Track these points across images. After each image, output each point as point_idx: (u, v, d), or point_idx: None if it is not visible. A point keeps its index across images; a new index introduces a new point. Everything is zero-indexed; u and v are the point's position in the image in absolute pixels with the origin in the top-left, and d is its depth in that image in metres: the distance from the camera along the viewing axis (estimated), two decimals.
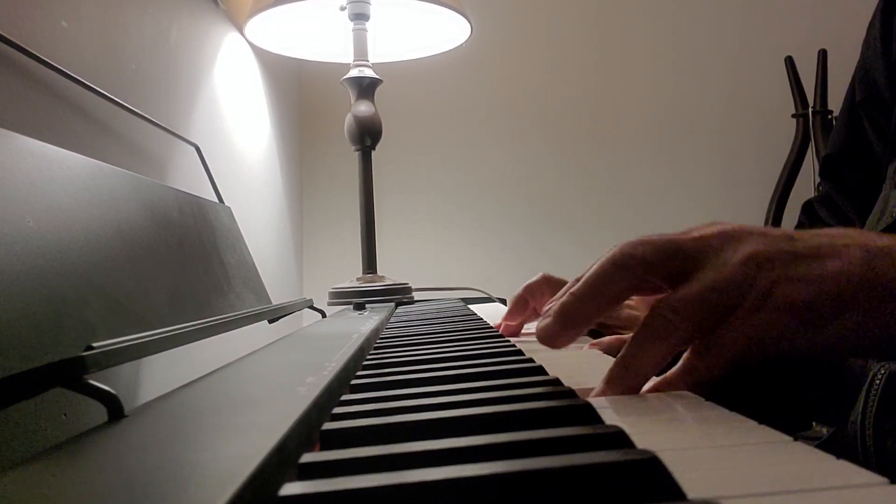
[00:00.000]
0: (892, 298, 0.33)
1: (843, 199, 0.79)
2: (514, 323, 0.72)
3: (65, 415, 0.38)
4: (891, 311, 0.33)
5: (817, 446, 0.24)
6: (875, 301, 0.33)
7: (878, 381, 0.53)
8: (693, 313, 0.34)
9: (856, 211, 0.77)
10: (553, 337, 0.35)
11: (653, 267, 0.36)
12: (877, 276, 0.33)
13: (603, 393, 0.35)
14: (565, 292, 0.38)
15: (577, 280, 0.38)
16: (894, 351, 0.36)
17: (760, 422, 0.29)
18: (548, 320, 0.35)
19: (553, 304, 0.37)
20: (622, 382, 0.34)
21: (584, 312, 0.36)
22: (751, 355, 0.34)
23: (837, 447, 0.59)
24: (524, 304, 0.73)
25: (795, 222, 0.90)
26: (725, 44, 1.95)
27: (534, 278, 0.74)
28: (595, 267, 0.36)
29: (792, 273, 0.34)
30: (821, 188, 0.84)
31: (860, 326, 0.33)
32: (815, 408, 0.70)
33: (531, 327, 0.80)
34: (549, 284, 0.73)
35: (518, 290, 0.74)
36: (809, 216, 0.85)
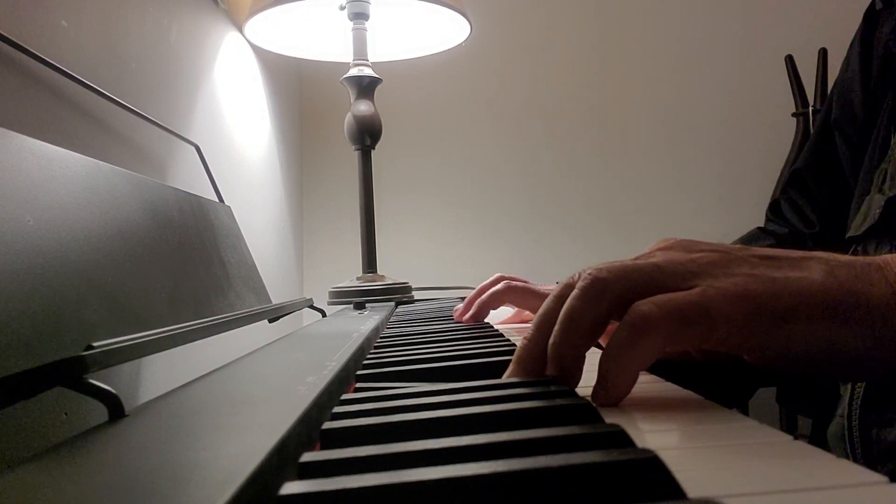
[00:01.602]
0: (856, 306, 0.33)
1: (808, 206, 0.84)
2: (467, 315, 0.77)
3: (65, 414, 0.38)
4: (856, 319, 0.33)
5: (808, 441, 0.24)
6: (838, 308, 0.33)
7: None
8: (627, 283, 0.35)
9: (816, 213, 0.82)
10: (605, 400, 0.34)
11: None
12: (839, 284, 0.34)
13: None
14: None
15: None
16: (863, 369, 0.36)
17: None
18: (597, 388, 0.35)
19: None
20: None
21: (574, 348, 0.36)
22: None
23: (824, 439, 0.61)
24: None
25: (765, 222, 0.93)
26: (726, 43, 1.95)
27: (494, 288, 0.78)
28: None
29: (757, 272, 0.34)
30: (785, 192, 0.89)
31: (825, 336, 0.33)
32: (804, 401, 0.72)
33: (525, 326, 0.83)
34: (513, 292, 0.77)
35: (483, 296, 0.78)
36: (777, 215, 0.89)
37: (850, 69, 0.74)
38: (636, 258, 0.38)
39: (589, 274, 0.36)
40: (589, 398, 0.33)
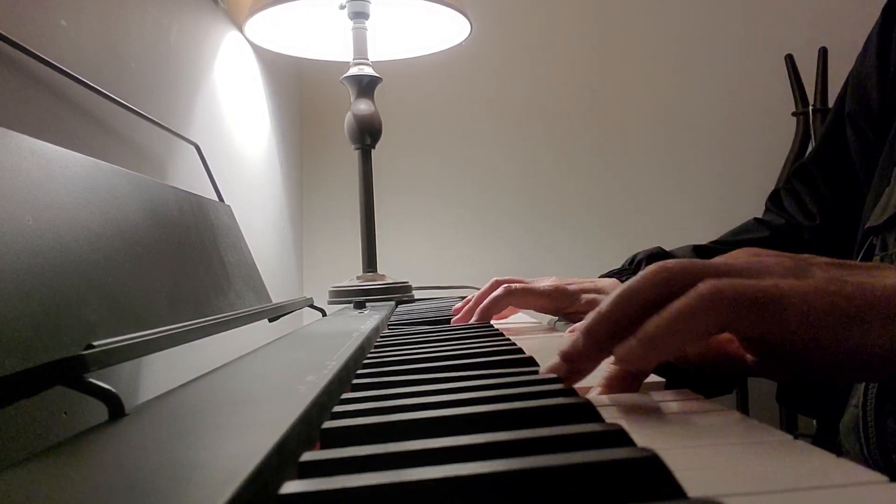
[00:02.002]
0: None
1: (811, 199, 0.83)
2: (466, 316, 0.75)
3: (65, 413, 0.38)
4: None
5: (812, 441, 0.24)
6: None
7: None
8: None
9: (820, 210, 0.81)
10: (636, 360, 0.33)
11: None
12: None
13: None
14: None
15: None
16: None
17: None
18: (632, 342, 0.33)
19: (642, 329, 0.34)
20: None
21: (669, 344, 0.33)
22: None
23: (836, 434, 0.61)
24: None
25: (763, 212, 0.93)
26: (726, 42, 1.95)
27: (494, 291, 0.76)
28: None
29: (829, 275, 0.34)
30: (788, 183, 0.88)
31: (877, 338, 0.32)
32: (804, 400, 0.72)
33: (521, 321, 0.83)
34: (513, 296, 0.76)
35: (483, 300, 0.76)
36: (776, 205, 0.88)
37: (866, 63, 0.74)
38: None
39: (656, 263, 0.34)
40: (615, 361, 0.33)
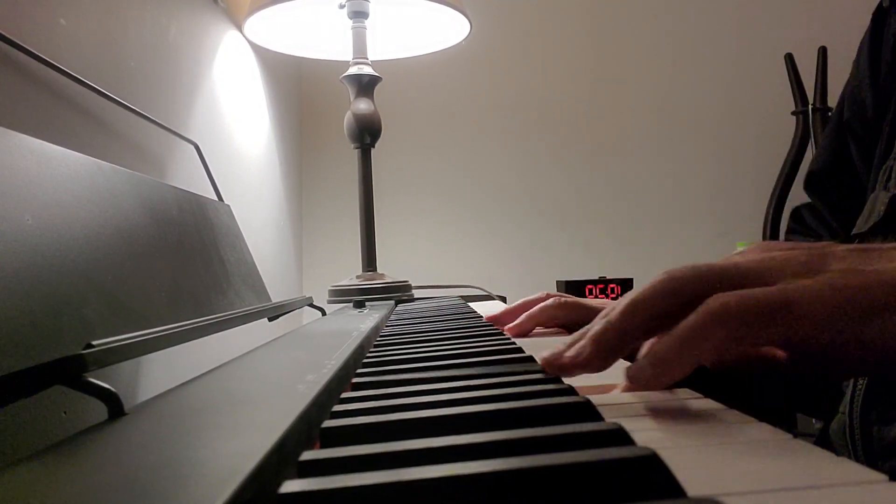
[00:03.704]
0: None
1: (826, 210, 0.82)
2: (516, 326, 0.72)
3: (64, 413, 0.38)
4: None
5: (816, 441, 0.24)
6: None
7: None
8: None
9: (838, 221, 0.79)
10: (648, 381, 0.33)
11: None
12: None
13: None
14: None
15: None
16: None
17: (752, 414, 0.29)
18: (643, 363, 0.33)
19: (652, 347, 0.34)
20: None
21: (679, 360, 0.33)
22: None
23: (828, 436, 0.61)
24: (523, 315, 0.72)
25: (785, 231, 0.92)
26: (726, 41, 1.95)
27: (544, 302, 0.72)
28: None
29: (844, 266, 0.33)
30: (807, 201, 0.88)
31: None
32: (810, 398, 0.72)
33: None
34: (563, 308, 0.71)
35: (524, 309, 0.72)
36: (798, 222, 0.87)
37: (859, 69, 0.74)
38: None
39: (665, 272, 0.35)
40: (627, 381, 0.32)
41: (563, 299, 0.72)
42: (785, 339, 0.32)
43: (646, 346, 0.36)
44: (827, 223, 0.82)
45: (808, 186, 0.85)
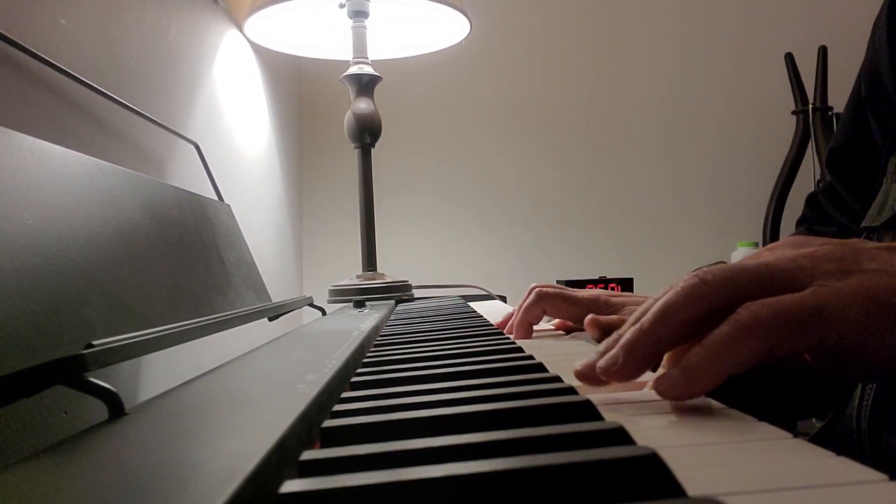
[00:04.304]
0: None
1: (846, 192, 0.78)
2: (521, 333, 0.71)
3: (65, 412, 0.38)
4: None
5: (811, 438, 0.24)
6: None
7: None
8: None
9: (859, 204, 0.76)
10: (679, 392, 0.32)
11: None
12: None
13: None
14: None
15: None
16: None
17: (754, 414, 0.28)
18: (674, 374, 0.32)
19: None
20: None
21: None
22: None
23: (833, 439, 0.59)
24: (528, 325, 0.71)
25: (797, 217, 0.89)
26: (726, 41, 1.95)
27: (526, 302, 0.71)
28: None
29: (876, 266, 0.33)
30: (821, 183, 0.84)
31: None
32: (811, 399, 0.70)
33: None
34: (545, 300, 0.70)
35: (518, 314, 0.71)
36: (813, 208, 0.84)
37: (876, 43, 0.72)
38: (746, 258, 0.36)
39: (695, 275, 0.34)
40: (651, 388, 0.32)
41: (543, 290, 0.70)
42: (817, 345, 0.32)
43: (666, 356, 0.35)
44: (846, 206, 0.79)
45: (829, 165, 0.82)
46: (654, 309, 0.34)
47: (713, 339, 0.31)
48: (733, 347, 0.31)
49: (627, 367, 0.34)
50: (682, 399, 0.32)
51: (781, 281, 0.33)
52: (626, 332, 0.34)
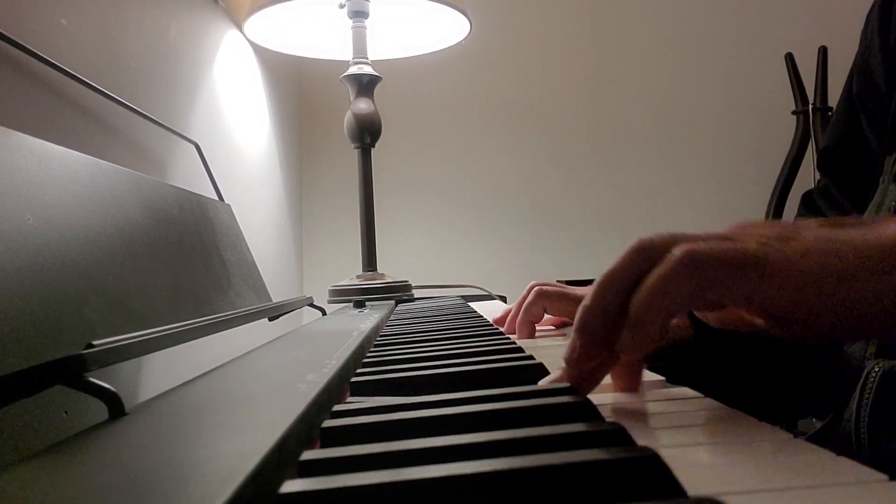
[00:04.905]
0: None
1: (840, 192, 0.78)
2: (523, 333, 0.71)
3: (65, 412, 0.38)
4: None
5: (808, 438, 0.24)
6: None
7: (872, 379, 0.53)
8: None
9: (852, 203, 0.76)
10: (631, 348, 0.32)
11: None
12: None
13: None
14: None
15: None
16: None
17: (753, 414, 0.28)
18: (624, 333, 0.32)
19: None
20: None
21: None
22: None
23: (831, 440, 0.59)
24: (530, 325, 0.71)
25: (795, 216, 0.89)
26: (726, 41, 1.95)
27: (527, 300, 0.70)
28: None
29: (821, 234, 0.33)
30: (819, 182, 0.84)
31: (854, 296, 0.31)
32: (810, 399, 0.70)
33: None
34: (545, 298, 0.70)
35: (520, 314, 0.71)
36: (808, 207, 0.84)
37: (867, 38, 0.71)
38: None
39: (636, 239, 0.34)
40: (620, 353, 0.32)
41: (543, 289, 0.69)
42: (755, 298, 0.32)
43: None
44: (840, 205, 0.78)
45: (821, 165, 0.82)
46: (595, 282, 0.34)
47: (648, 281, 0.31)
48: (669, 286, 0.31)
49: (586, 349, 0.33)
50: (639, 353, 0.32)
51: (723, 238, 0.33)
52: (576, 316, 0.34)
